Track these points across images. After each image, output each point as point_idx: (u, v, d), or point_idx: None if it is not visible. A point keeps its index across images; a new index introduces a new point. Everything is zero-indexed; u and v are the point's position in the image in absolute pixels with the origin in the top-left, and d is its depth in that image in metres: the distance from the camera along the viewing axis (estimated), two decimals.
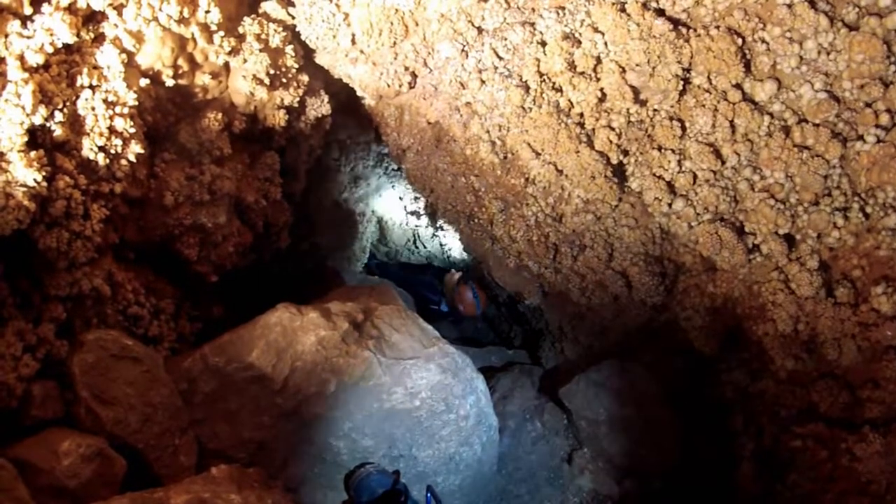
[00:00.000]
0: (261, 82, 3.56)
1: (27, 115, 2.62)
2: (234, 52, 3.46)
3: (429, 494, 3.05)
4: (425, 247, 7.37)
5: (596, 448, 3.95)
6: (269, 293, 3.83)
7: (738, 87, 3.06)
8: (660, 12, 3.11)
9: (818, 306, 3.00)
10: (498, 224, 4.06)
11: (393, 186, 6.62)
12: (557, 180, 3.57)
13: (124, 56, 2.99)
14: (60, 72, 2.81)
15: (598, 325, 4.29)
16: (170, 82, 3.25)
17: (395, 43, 3.56)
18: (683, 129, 3.22)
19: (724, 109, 3.08)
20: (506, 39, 3.42)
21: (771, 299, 3.13)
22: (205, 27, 3.28)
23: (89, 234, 2.94)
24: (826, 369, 3.04)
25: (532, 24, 3.39)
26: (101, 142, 2.92)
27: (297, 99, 3.83)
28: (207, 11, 3.22)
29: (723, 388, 3.57)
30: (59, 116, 2.77)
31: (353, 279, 5.83)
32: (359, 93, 4.10)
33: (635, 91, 3.21)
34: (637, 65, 3.13)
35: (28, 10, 2.64)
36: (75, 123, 2.87)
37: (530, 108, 3.41)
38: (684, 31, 3.08)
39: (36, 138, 2.74)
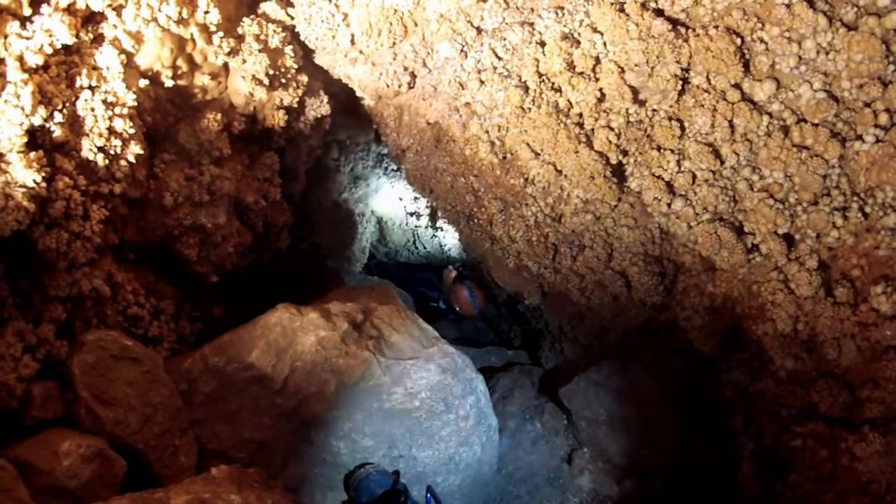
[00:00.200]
0: (260, 83, 3.56)
1: (26, 115, 2.62)
2: (233, 52, 3.47)
3: (429, 495, 3.05)
4: (425, 247, 7.38)
5: (596, 448, 3.95)
6: (269, 293, 3.83)
7: (736, 86, 3.06)
8: (659, 12, 3.11)
9: (817, 306, 3.00)
10: (497, 224, 4.07)
11: (392, 187, 6.63)
12: (557, 180, 3.57)
13: (123, 57, 2.99)
14: (60, 73, 2.82)
15: (598, 324, 4.29)
16: (169, 83, 3.25)
17: (394, 43, 3.56)
18: (682, 128, 3.22)
19: (723, 109, 3.08)
20: (505, 39, 3.42)
21: (770, 299, 3.13)
22: (204, 28, 3.28)
23: (89, 235, 2.94)
24: (826, 369, 3.04)
25: (531, 25, 3.39)
26: (100, 142, 2.93)
27: (297, 99, 3.84)
28: (206, 12, 3.22)
29: (723, 387, 3.57)
30: (58, 117, 2.77)
31: (352, 279, 5.84)
32: (358, 93, 4.10)
33: (634, 91, 3.21)
34: (636, 65, 3.13)
35: (27, 11, 2.64)
36: (75, 124, 2.87)
37: (529, 109, 3.41)
38: (683, 30, 3.08)
39: (35, 139, 2.74)
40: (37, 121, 2.68)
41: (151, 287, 3.52)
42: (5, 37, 2.60)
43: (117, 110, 2.97)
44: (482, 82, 3.52)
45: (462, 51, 3.54)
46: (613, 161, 3.36)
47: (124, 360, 2.89)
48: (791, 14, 2.85)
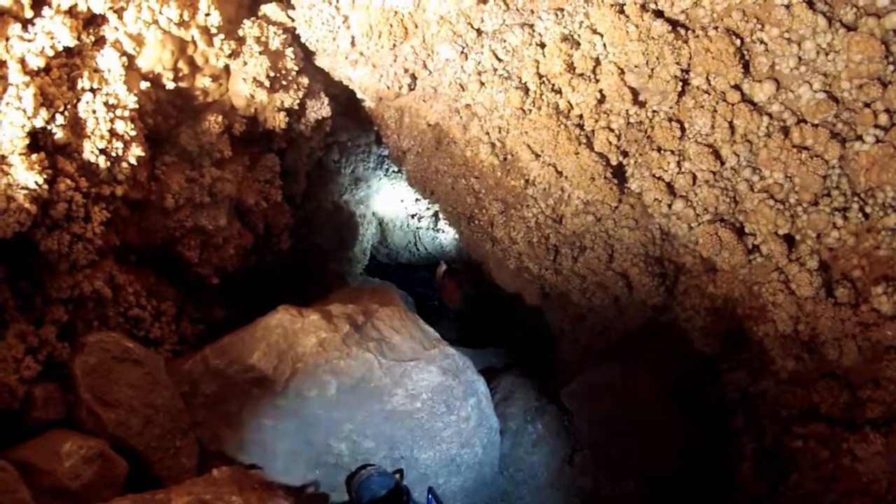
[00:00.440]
0: (261, 85, 3.57)
1: (28, 118, 2.63)
2: (234, 54, 3.48)
3: (430, 496, 3.05)
4: (426, 248, 7.38)
5: (597, 449, 3.95)
6: (270, 295, 3.83)
7: (736, 87, 3.06)
8: (658, 14, 3.11)
9: (818, 306, 3.00)
10: (498, 225, 4.07)
11: (393, 188, 6.64)
12: (557, 182, 3.58)
13: (125, 59, 3.00)
14: (61, 75, 2.83)
15: (599, 325, 4.29)
16: (170, 85, 3.26)
17: (394, 45, 3.57)
18: (683, 130, 3.22)
19: (723, 110, 3.09)
20: (505, 41, 3.42)
21: (771, 300, 3.13)
22: (205, 30, 3.29)
23: (90, 237, 2.95)
24: (827, 369, 3.04)
25: (531, 26, 3.39)
26: (102, 144, 2.94)
27: (297, 101, 3.85)
28: (207, 14, 3.23)
29: (724, 388, 3.56)
30: (60, 119, 2.78)
31: (353, 281, 5.84)
32: (359, 95, 4.11)
33: (634, 92, 3.21)
34: (636, 66, 3.13)
35: (29, 14, 2.65)
36: (76, 126, 2.88)
37: (530, 110, 3.42)
38: (683, 32, 3.09)
39: (37, 141, 2.76)
40: (38, 123, 2.69)
41: (153, 289, 3.52)
42: (7, 39, 2.61)
43: (119, 112, 2.98)
44: (482, 84, 3.53)
45: (462, 52, 3.54)
46: (614, 162, 3.36)
47: (126, 362, 2.89)
48: (790, 15, 2.85)
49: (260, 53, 3.52)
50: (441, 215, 4.77)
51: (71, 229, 2.88)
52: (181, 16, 3.10)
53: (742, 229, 3.24)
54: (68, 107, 2.84)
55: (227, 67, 3.54)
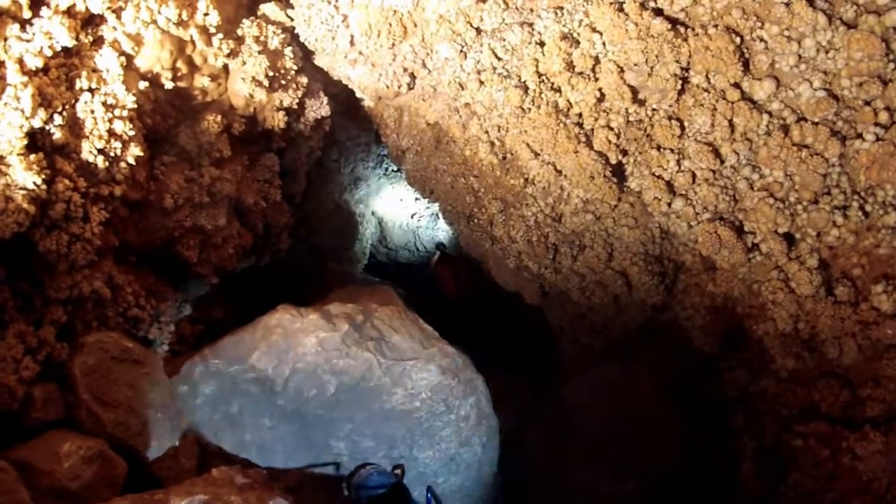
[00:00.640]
0: (260, 84, 3.56)
1: (26, 118, 2.63)
2: (232, 54, 3.47)
3: (429, 495, 3.05)
4: (425, 248, 7.39)
5: (596, 448, 3.94)
6: (270, 295, 3.83)
7: (736, 85, 3.06)
8: (658, 12, 3.11)
9: (818, 305, 3.00)
10: (498, 224, 4.06)
11: (393, 187, 6.64)
12: (557, 180, 3.57)
13: (123, 59, 3.00)
14: (59, 75, 2.82)
15: (599, 324, 4.29)
16: (169, 85, 3.25)
17: (393, 44, 3.56)
18: (682, 128, 3.21)
19: (723, 108, 3.08)
20: (504, 40, 3.42)
21: (771, 298, 3.12)
22: (203, 29, 3.29)
23: (89, 237, 2.94)
24: (827, 368, 3.04)
25: (530, 25, 3.39)
26: (100, 144, 2.93)
27: (297, 101, 3.84)
28: (206, 14, 3.22)
29: (724, 387, 3.56)
30: (58, 119, 2.77)
31: (353, 280, 5.83)
32: (358, 94, 4.10)
33: (634, 91, 3.21)
34: (635, 64, 3.13)
35: (27, 14, 2.65)
36: (75, 126, 2.87)
37: (529, 109, 3.41)
38: (682, 30, 3.08)
39: (35, 141, 2.75)
40: (37, 123, 2.68)
41: (152, 289, 3.52)
42: (5, 39, 2.60)
43: (117, 112, 2.97)
44: (482, 83, 3.52)
45: (462, 51, 3.54)
46: (613, 161, 3.36)
47: (125, 362, 2.89)
48: (790, 13, 2.85)
49: (259, 53, 3.51)
50: (440, 214, 4.76)
51: (69, 229, 2.87)
52: (180, 15, 3.09)
53: (742, 228, 3.24)
54: (67, 107, 2.83)
55: (225, 67, 3.53)
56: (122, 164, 3.07)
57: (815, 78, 2.92)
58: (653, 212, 3.43)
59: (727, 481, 3.41)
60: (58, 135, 2.79)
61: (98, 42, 2.98)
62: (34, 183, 2.64)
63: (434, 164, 4.19)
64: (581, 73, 3.27)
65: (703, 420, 3.75)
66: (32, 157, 2.66)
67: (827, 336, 2.98)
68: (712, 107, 3.10)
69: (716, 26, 3.01)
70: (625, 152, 3.36)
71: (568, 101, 3.34)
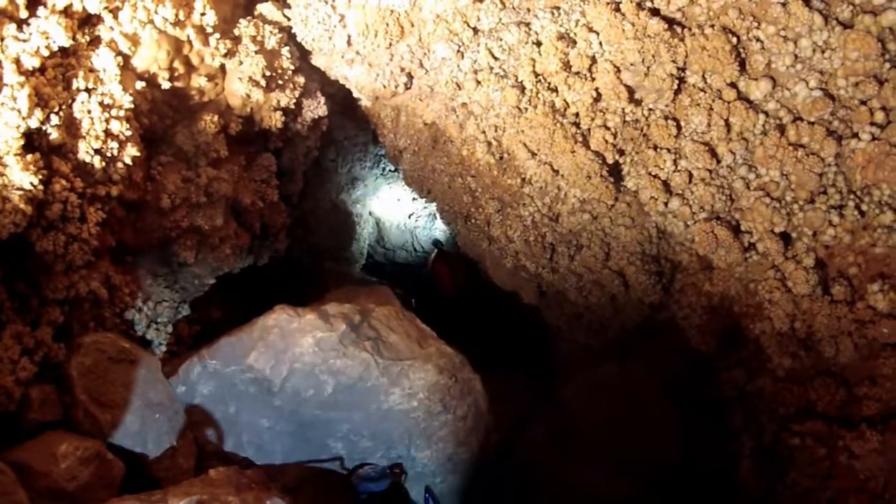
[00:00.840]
0: (257, 84, 3.56)
1: (23, 118, 2.62)
2: (229, 54, 3.47)
3: (427, 496, 3.06)
4: (423, 248, 7.39)
5: (595, 447, 3.95)
6: (267, 295, 3.83)
7: (732, 85, 3.07)
8: (654, 12, 3.11)
9: (815, 304, 3.01)
10: (495, 224, 4.07)
11: (390, 187, 6.63)
12: (554, 180, 3.58)
13: (120, 59, 2.99)
14: (56, 75, 2.81)
15: (596, 324, 4.29)
16: (166, 85, 3.25)
17: (390, 44, 3.56)
18: (679, 128, 3.22)
19: (720, 108, 3.09)
20: (501, 40, 3.42)
21: (768, 297, 3.13)
22: (200, 29, 3.28)
23: (86, 238, 2.94)
24: (823, 367, 3.05)
25: (527, 25, 3.39)
26: (97, 145, 2.92)
27: (294, 100, 3.84)
28: (203, 14, 3.22)
29: (721, 386, 3.57)
30: (55, 119, 2.77)
31: (350, 280, 5.83)
32: (355, 94, 4.10)
33: (630, 90, 3.21)
34: (632, 64, 3.13)
35: (24, 14, 2.64)
36: (71, 126, 2.86)
37: (526, 109, 3.42)
38: (679, 30, 3.09)
39: (32, 141, 2.74)
40: (33, 123, 2.67)
41: (149, 289, 3.51)
42: (2, 39, 2.60)
43: (114, 112, 2.96)
44: (479, 83, 3.52)
45: (459, 51, 3.54)
46: (610, 160, 3.37)
47: (122, 363, 2.89)
48: (787, 12, 2.86)
49: (256, 53, 3.51)
50: (438, 214, 4.76)
51: (66, 230, 2.87)
52: (177, 15, 3.09)
53: (738, 227, 3.25)
54: (63, 107, 2.83)
55: (222, 67, 3.52)
56: (119, 165, 3.06)
57: (811, 78, 2.93)
58: (649, 211, 3.44)
59: (725, 480, 3.42)
60: (55, 135, 2.78)
61: (95, 42, 2.98)
62: (31, 183, 2.63)
63: (431, 164, 4.19)
64: (578, 73, 3.27)
65: (701, 419, 3.76)
66: (29, 157, 2.65)
67: (823, 335, 2.99)
68: (709, 106, 3.11)
69: (712, 26, 3.02)
70: (621, 152, 3.37)
71: (565, 100, 3.35)
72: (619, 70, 3.19)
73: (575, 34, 3.27)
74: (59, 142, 2.82)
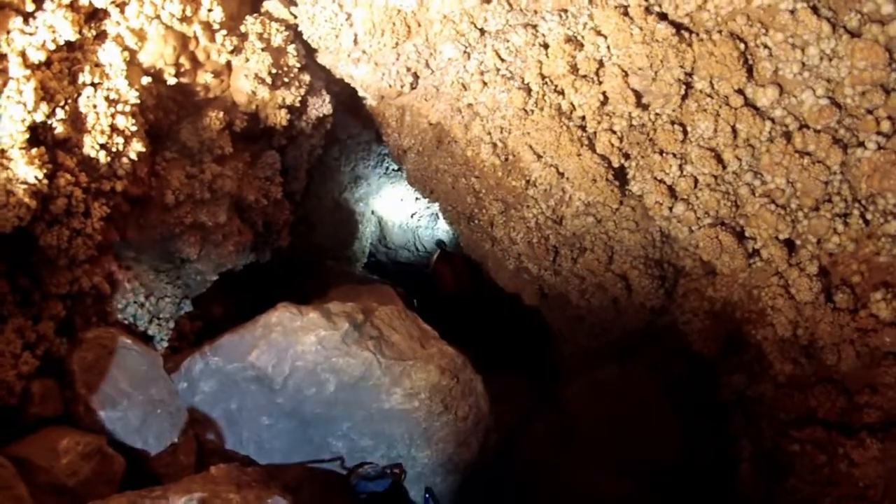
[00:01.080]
0: (262, 81, 3.55)
1: (29, 112, 2.61)
2: (236, 50, 3.46)
3: (427, 496, 3.06)
4: (425, 247, 7.38)
5: (596, 449, 3.96)
6: (270, 292, 3.82)
7: (740, 92, 3.07)
8: (662, 16, 3.11)
9: (817, 311, 3.01)
10: (498, 225, 4.07)
11: (393, 186, 6.63)
12: (558, 183, 3.58)
13: (126, 54, 2.98)
14: (62, 69, 2.80)
15: (598, 327, 4.29)
16: (172, 80, 3.24)
17: (397, 43, 3.56)
18: (685, 133, 3.22)
19: (726, 114, 3.09)
20: (508, 41, 3.42)
21: (770, 304, 3.14)
22: (207, 26, 3.28)
23: (90, 232, 2.93)
24: (825, 374, 3.06)
25: (534, 27, 3.39)
26: (102, 140, 2.91)
27: (299, 98, 3.83)
28: (210, 10, 3.21)
29: (722, 390, 3.58)
30: (60, 114, 2.76)
31: (352, 279, 5.83)
32: (360, 93, 4.10)
33: (637, 95, 3.21)
34: (639, 69, 3.13)
35: (30, 7, 2.63)
36: (77, 121, 2.85)
37: (532, 111, 3.41)
38: (687, 35, 3.09)
39: (37, 135, 2.73)
40: (39, 117, 2.66)
41: (152, 285, 3.51)
42: (8, 32, 2.59)
43: (119, 107, 2.95)
44: (485, 84, 3.52)
45: (465, 52, 3.54)
46: (616, 164, 3.36)
47: (124, 358, 2.88)
48: (795, 20, 2.86)
49: (262, 50, 3.50)
50: (441, 214, 4.75)
51: (70, 224, 2.86)
52: (184, 11, 3.08)
53: (742, 233, 3.25)
54: (69, 101, 2.82)
55: (228, 63, 3.52)
56: (124, 160, 3.05)
57: (818, 86, 2.94)
58: (654, 216, 3.44)
59: (725, 483, 3.43)
60: (60, 129, 2.77)
61: (101, 36, 2.97)
62: (35, 177, 2.62)
63: (435, 164, 4.18)
64: (585, 77, 3.27)
65: (702, 423, 3.76)
66: (34, 151, 2.64)
67: (825, 342, 3.00)
68: (715, 112, 3.11)
69: (720, 32, 3.02)
70: (627, 156, 3.37)
71: (571, 103, 3.35)
72: (626, 74, 3.19)
73: (583, 37, 3.27)
74: (65, 136, 2.81)
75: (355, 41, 3.63)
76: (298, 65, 3.74)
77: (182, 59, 3.25)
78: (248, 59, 3.51)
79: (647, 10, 3.09)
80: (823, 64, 2.90)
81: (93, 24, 2.93)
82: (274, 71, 3.56)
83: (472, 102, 3.65)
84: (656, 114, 3.25)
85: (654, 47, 3.06)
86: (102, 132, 2.91)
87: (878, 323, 2.86)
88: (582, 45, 3.27)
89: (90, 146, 2.89)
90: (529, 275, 4.24)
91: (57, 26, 2.70)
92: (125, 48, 2.99)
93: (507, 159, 3.72)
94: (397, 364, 3.39)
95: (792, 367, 3.16)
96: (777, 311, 3.12)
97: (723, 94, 3.08)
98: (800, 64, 2.93)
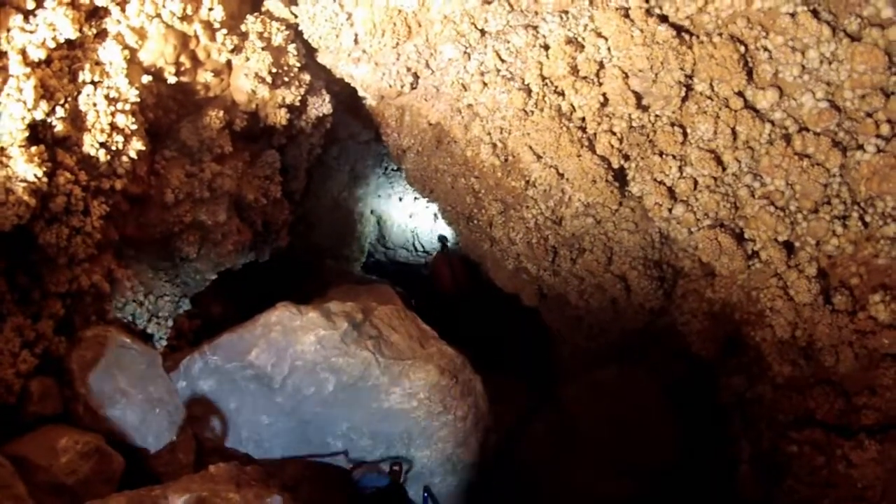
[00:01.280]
0: (263, 80, 3.55)
1: (28, 110, 2.61)
2: (236, 49, 3.46)
3: (426, 495, 3.07)
4: (424, 248, 7.38)
5: (595, 449, 3.96)
6: (269, 292, 3.82)
7: (739, 94, 3.08)
8: (663, 19, 3.12)
9: (816, 313, 3.02)
10: (497, 226, 4.07)
11: (392, 186, 6.63)
12: (558, 183, 3.58)
13: (126, 52, 2.98)
14: (62, 67, 2.80)
15: (596, 328, 4.30)
16: (172, 79, 3.24)
17: (397, 43, 3.56)
18: (685, 135, 3.23)
19: (726, 116, 3.10)
20: (509, 42, 3.42)
21: (769, 305, 3.15)
22: (208, 24, 3.27)
23: (89, 231, 2.93)
24: (823, 376, 3.06)
25: (535, 28, 3.39)
26: (102, 138, 2.91)
27: (299, 98, 3.83)
28: (210, 9, 3.21)
29: (721, 392, 3.59)
30: (60, 112, 2.75)
31: (351, 278, 5.82)
32: (360, 93, 4.10)
33: (637, 96, 3.22)
34: (640, 70, 3.14)
35: (30, 5, 2.62)
36: (77, 119, 2.85)
37: (532, 111, 3.42)
38: (687, 37, 3.10)
39: (37, 133, 2.73)
40: (39, 115, 2.66)
41: (151, 284, 3.50)
42: (8, 30, 2.58)
43: (119, 106, 2.95)
44: (485, 84, 3.52)
45: (465, 52, 3.54)
46: (615, 165, 3.37)
47: (123, 357, 2.87)
48: (795, 24, 2.87)
49: (262, 49, 3.50)
50: (440, 214, 4.75)
51: (70, 223, 2.85)
52: (184, 10, 3.08)
53: (742, 235, 3.26)
54: (69, 99, 2.81)
55: (228, 63, 3.51)
56: (124, 158, 3.05)
57: (818, 89, 2.95)
58: (653, 217, 3.45)
59: (724, 484, 3.44)
60: (59, 127, 2.77)
61: (102, 35, 2.96)
62: (35, 175, 2.62)
63: (435, 164, 4.18)
64: (585, 78, 3.28)
65: (701, 424, 3.77)
66: (34, 149, 2.64)
67: (824, 344, 3.00)
68: (715, 114, 3.12)
69: (720, 35, 3.03)
70: (627, 157, 3.37)
71: (571, 104, 3.35)
72: (626, 76, 3.19)
73: (583, 39, 3.28)
74: (64, 134, 2.81)
75: (356, 41, 3.63)
76: (298, 64, 3.74)
77: (182, 58, 3.25)
78: (248, 59, 3.50)
79: (648, 13, 3.09)
80: (823, 67, 2.91)
81: (93, 23, 2.93)
82: (274, 70, 3.56)
83: (472, 103, 3.65)
84: (656, 115, 3.26)
85: (655, 49, 3.07)
86: (102, 130, 2.90)
87: (877, 325, 2.87)
88: (582, 47, 3.28)
89: (90, 144, 2.89)
90: (528, 275, 4.25)
91: (57, 24, 2.70)
92: (125, 47, 2.99)
93: (506, 160, 3.72)
94: (396, 364, 3.39)
95: (791, 368, 3.17)
96: (776, 312, 3.12)
97: (723, 96, 3.09)
98: (800, 67, 2.94)
